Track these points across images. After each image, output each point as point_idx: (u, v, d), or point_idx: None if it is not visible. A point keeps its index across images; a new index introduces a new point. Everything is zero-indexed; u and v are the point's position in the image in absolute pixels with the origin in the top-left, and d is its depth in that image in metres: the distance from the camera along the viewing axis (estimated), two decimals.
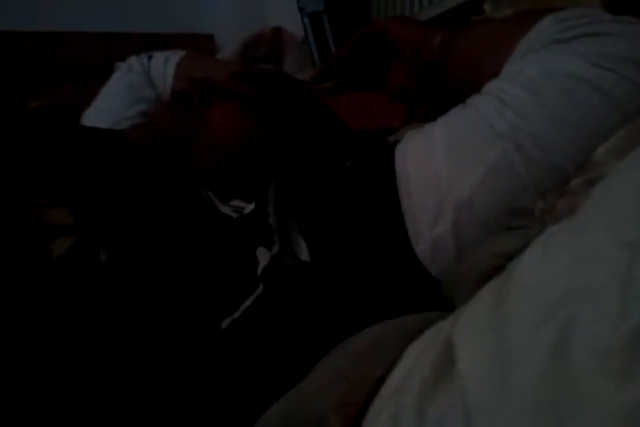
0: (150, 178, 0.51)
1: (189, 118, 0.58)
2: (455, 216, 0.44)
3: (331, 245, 0.47)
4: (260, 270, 0.44)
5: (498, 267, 0.36)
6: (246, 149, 0.58)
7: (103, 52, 1.19)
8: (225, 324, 0.41)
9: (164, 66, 0.89)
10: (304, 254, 0.47)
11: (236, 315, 0.41)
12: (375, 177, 0.49)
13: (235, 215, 0.49)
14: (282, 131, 0.60)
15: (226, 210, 0.49)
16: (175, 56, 0.89)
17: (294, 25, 1.13)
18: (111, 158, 0.51)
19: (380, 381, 0.34)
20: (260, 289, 0.43)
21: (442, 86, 0.64)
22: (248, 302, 0.42)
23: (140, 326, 0.41)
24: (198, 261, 0.45)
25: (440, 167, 0.45)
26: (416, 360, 0.32)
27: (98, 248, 0.42)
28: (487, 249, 0.40)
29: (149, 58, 0.91)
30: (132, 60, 0.92)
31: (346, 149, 0.64)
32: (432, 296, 0.45)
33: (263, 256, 0.45)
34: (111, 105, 0.88)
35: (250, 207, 0.49)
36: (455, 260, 0.45)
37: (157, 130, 0.57)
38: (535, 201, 0.43)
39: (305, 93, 0.67)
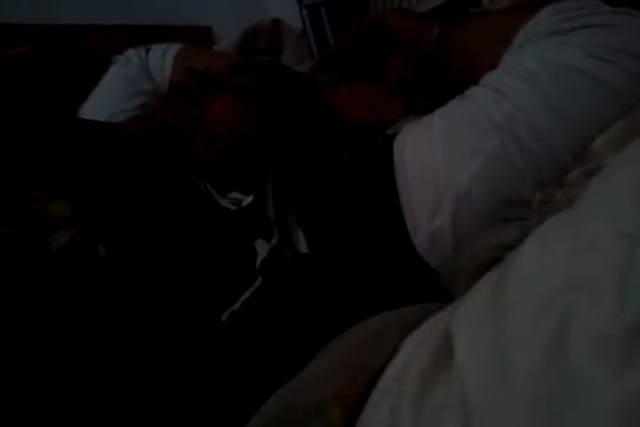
0: (148, 170, 0.50)
1: (187, 110, 0.58)
2: (454, 208, 0.44)
3: (329, 237, 0.47)
4: (258, 262, 0.44)
5: (496, 258, 0.36)
6: (244, 141, 0.57)
7: (102, 45, 1.19)
8: (225, 316, 0.41)
9: (162, 58, 0.88)
10: (303, 247, 0.47)
11: (236, 307, 0.41)
12: (373, 169, 0.49)
13: (233, 208, 0.49)
14: (280, 123, 0.60)
15: (224, 202, 0.49)
16: (173, 48, 0.89)
17: (292, 17, 1.13)
18: (109, 151, 0.51)
19: (380, 371, 0.34)
20: (258, 281, 0.43)
21: (440, 78, 0.64)
22: (247, 294, 0.42)
23: (140, 319, 0.41)
24: (197, 254, 0.45)
25: (438, 159, 0.45)
26: (414, 351, 0.33)
27: (96, 241, 0.42)
28: (485, 240, 0.40)
29: (147, 51, 0.91)
30: (130, 52, 0.92)
31: (344, 141, 0.64)
32: (430, 287, 0.45)
33: (262, 248, 0.45)
34: (108, 98, 0.87)
35: (248, 200, 0.49)
36: (453, 251, 0.45)
37: (155, 122, 0.57)
38: (533, 192, 0.43)
39: (303, 85, 0.67)
